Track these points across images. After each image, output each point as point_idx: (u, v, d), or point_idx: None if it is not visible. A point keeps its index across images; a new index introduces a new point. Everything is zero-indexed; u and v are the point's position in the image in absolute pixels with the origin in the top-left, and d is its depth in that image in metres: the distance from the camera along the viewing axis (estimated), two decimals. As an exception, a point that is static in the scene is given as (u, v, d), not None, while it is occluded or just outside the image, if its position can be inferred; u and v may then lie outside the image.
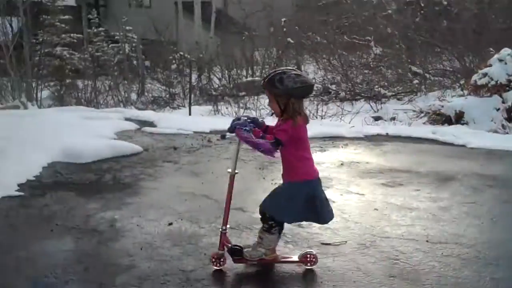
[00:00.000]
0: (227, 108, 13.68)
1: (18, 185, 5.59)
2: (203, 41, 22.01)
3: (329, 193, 4.95)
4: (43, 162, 6.27)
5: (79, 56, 22.00)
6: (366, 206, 5.27)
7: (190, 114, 12.80)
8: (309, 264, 4.07)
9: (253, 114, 12.26)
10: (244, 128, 3.76)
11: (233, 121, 3.85)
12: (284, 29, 20.01)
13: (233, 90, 16.70)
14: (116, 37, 23.27)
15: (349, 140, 8.22)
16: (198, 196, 5.51)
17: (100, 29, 24.35)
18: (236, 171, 3.97)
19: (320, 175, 3.94)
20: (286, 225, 4.08)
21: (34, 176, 5.89)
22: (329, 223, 4.07)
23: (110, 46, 23.14)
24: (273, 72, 3.86)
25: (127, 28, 22.52)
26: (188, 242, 4.49)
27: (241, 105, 13.93)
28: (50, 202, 5.26)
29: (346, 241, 4.46)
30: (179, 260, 4.19)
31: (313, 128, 7.97)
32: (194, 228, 4.78)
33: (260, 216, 4.07)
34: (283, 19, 20.51)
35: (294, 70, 3.91)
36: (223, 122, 8.85)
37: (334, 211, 4.03)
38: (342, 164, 6.78)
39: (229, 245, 4.00)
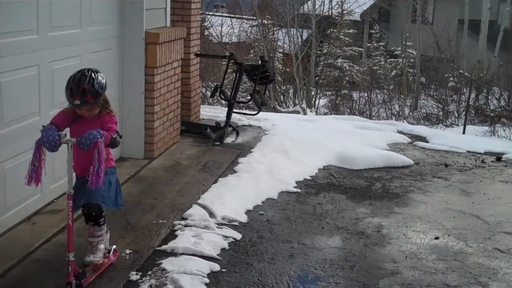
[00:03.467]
0: (504, 130, 13.03)
1: (296, 183, 6.04)
2: (485, 61, 21.15)
3: None
4: (319, 164, 6.68)
5: (357, 68, 22.73)
6: None
7: (464, 133, 12.43)
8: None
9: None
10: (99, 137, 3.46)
11: (47, 135, 3.42)
12: None
13: (512, 112, 15.84)
14: (395, 52, 23.50)
15: None
16: (468, 215, 5.40)
17: (380, 43, 24.81)
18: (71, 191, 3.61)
19: None
20: None
21: (310, 176, 6.30)
22: None
23: (388, 60, 23.47)
24: (77, 84, 3.50)
25: (408, 43, 22.59)
26: (453, 258, 4.46)
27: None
28: (323, 201, 5.62)
29: None
30: (443, 274, 4.21)
31: None
32: (461, 245, 4.72)
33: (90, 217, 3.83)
34: None
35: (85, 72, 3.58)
36: (500, 144, 8.49)
37: None
38: None
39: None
